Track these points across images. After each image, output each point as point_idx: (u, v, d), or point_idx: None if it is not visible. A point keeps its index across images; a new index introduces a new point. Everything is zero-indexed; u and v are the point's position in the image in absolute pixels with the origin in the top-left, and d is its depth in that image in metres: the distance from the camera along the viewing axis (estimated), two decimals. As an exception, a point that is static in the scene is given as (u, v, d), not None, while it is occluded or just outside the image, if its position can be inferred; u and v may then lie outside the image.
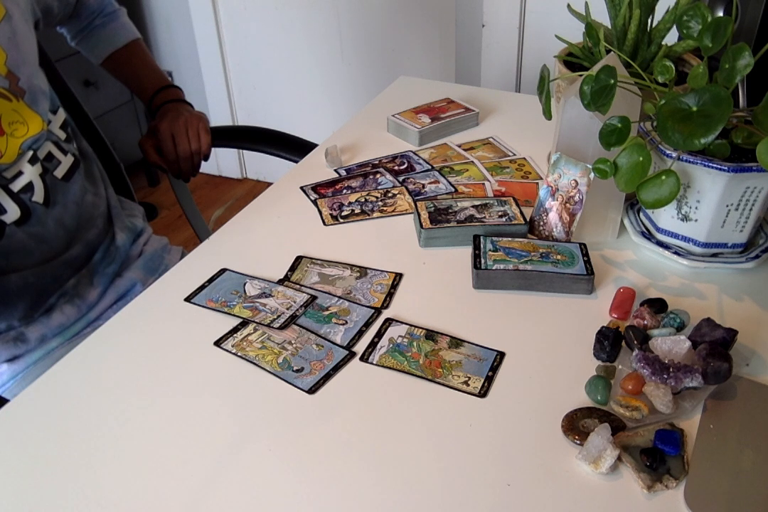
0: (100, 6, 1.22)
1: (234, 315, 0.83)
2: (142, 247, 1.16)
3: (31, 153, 0.96)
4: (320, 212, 1.01)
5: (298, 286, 0.87)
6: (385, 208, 1.01)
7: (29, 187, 0.96)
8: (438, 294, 0.86)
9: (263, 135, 1.39)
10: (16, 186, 0.95)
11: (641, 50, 0.94)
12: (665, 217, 0.87)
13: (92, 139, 1.27)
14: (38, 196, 0.97)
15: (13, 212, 0.94)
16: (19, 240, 0.96)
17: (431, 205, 0.96)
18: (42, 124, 0.97)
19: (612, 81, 0.78)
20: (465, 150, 1.15)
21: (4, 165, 0.92)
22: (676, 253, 0.88)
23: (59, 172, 1.01)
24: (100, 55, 1.25)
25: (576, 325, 0.80)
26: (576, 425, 0.67)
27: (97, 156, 1.19)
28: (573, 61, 0.99)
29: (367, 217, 1.00)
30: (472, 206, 0.96)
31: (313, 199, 1.04)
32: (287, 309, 0.83)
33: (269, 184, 1.09)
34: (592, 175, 0.86)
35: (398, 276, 0.88)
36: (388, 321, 0.81)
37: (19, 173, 0.95)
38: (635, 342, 0.74)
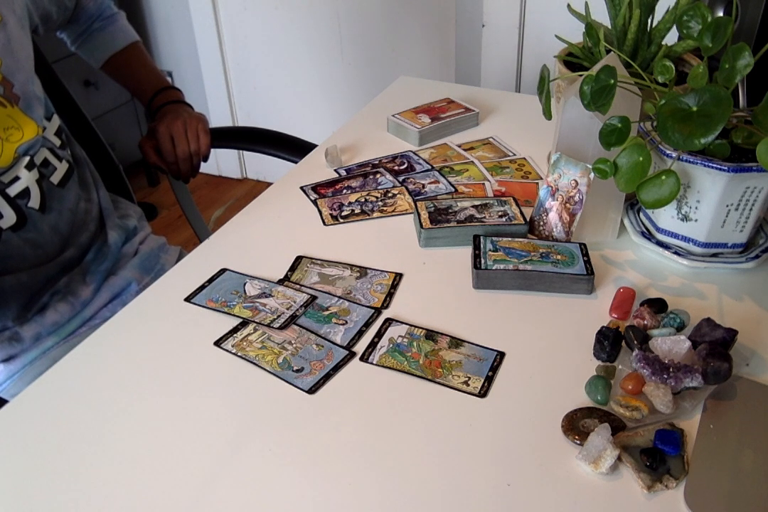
0: (99, 10, 1.23)
1: (234, 315, 0.83)
2: (137, 245, 1.16)
3: (27, 158, 0.96)
4: (320, 212, 1.01)
5: (298, 286, 0.87)
6: (385, 208, 1.01)
7: (26, 193, 0.96)
8: (438, 294, 0.86)
9: (263, 135, 1.39)
10: (13, 191, 0.95)
11: (641, 50, 0.94)
12: (665, 217, 0.87)
13: (90, 141, 1.27)
14: (34, 201, 0.97)
15: (9, 217, 0.94)
16: (14, 245, 0.96)
17: (431, 205, 0.96)
18: (37, 129, 0.97)
19: (612, 81, 0.78)
20: (465, 150, 1.15)
21: (1, 169, 0.92)
22: (676, 252, 0.88)
23: (55, 178, 1.01)
24: (99, 58, 1.26)
25: (576, 325, 0.80)
26: (576, 425, 0.67)
27: (95, 157, 1.19)
28: (573, 61, 0.99)
29: (367, 217, 1.00)
30: (472, 206, 0.96)
31: (313, 199, 1.04)
32: (287, 309, 0.83)
33: (269, 184, 1.09)
34: (592, 175, 0.86)
35: (398, 276, 0.88)
36: (388, 321, 0.81)
37: (16, 178, 0.95)
38: (635, 342, 0.74)
